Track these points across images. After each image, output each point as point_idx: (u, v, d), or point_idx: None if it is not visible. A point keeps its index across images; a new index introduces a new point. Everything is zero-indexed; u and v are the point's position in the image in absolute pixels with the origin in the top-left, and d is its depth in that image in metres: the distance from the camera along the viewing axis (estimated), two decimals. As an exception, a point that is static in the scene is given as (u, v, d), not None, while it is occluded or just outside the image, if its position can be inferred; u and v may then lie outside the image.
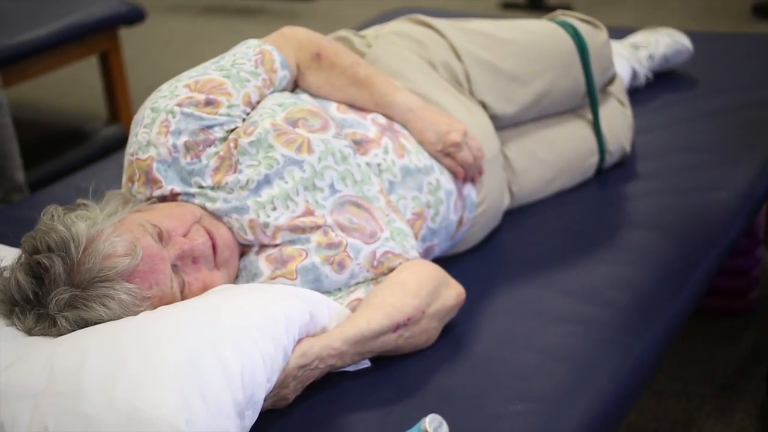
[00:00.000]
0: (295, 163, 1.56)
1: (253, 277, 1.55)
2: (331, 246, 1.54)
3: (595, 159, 2.03)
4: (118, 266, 1.36)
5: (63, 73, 3.92)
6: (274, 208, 1.54)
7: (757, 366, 2.34)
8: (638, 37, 2.48)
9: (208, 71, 1.62)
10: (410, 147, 1.70)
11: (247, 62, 1.64)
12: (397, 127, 1.73)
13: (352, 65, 1.73)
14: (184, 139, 1.55)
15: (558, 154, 1.97)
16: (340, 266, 1.54)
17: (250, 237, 1.54)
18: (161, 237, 1.43)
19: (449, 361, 1.52)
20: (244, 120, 1.60)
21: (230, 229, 1.55)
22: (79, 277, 1.36)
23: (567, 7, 4.47)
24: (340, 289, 1.55)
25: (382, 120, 1.72)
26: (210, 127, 1.56)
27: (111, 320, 1.36)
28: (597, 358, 1.51)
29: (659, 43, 2.44)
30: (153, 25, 4.36)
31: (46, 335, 1.37)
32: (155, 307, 1.39)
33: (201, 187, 1.55)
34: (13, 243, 1.57)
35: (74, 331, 1.36)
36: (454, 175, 1.74)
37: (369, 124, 1.70)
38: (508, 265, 1.80)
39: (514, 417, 1.38)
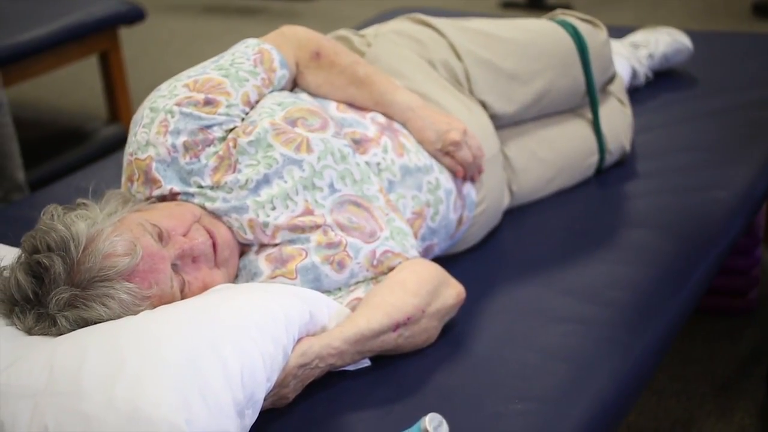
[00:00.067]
0: (295, 163, 1.56)
1: (253, 276, 1.55)
2: (330, 245, 1.54)
3: (594, 158, 2.03)
4: (118, 266, 1.36)
5: (63, 73, 3.92)
6: (274, 208, 1.54)
7: (757, 365, 2.34)
8: (638, 37, 2.48)
9: (207, 71, 1.62)
10: (410, 146, 1.70)
11: (246, 61, 1.64)
12: (396, 126, 1.73)
13: (351, 64, 1.73)
14: (183, 138, 1.55)
15: (558, 153, 1.97)
16: (340, 265, 1.54)
17: (249, 236, 1.54)
18: (161, 236, 1.43)
19: (449, 361, 1.52)
20: (243, 119, 1.60)
21: (230, 228, 1.55)
22: (79, 276, 1.36)
23: (567, 7, 4.47)
24: (339, 289, 1.55)
25: (381, 119, 1.72)
26: (209, 126, 1.56)
27: (111, 320, 1.36)
28: (597, 358, 1.51)
29: (659, 43, 2.44)
30: (153, 24, 4.36)
31: (46, 335, 1.37)
32: (155, 307, 1.39)
33: (200, 186, 1.55)
34: (13, 242, 1.58)
35: (74, 330, 1.36)
36: (454, 174, 1.74)
37: (368, 123, 1.70)
38: (508, 265, 1.80)
39: (514, 416, 1.38)
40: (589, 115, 2.04)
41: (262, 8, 5.21)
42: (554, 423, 1.37)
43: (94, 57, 3.43)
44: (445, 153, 1.72)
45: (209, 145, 1.56)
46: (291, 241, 1.54)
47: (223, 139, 1.57)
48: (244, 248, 1.57)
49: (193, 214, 1.51)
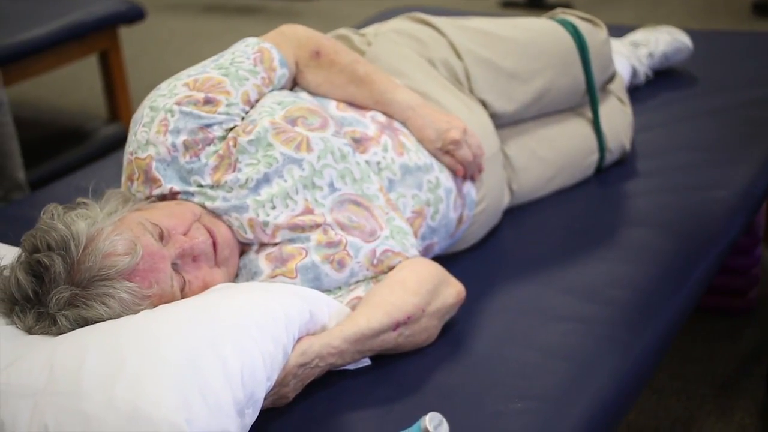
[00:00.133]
0: (295, 162, 1.56)
1: (253, 275, 1.54)
2: (330, 244, 1.54)
3: (595, 157, 2.03)
4: (119, 265, 1.36)
5: (63, 72, 3.92)
6: (274, 207, 1.54)
7: (757, 365, 2.34)
8: (638, 35, 2.48)
9: (207, 70, 1.62)
10: (410, 145, 1.70)
11: (246, 60, 1.64)
12: (396, 125, 1.73)
13: (351, 63, 1.73)
14: (183, 137, 1.55)
15: (558, 152, 1.97)
16: (340, 265, 1.54)
17: (249, 236, 1.54)
18: (161, 236, 1.43)
19: (449, 360, 1.52)
20: (243, 118, 1.60)
21: (230, 227, 1.55)
22: (79, 275, 1.36)
23: (567, 5, 4.47)
24: (339, 288, 1.55)
25: (381, 118, 1.72)
26: (209, 125, 1.56)
27: (111, 319, 1.36)
28: (597, 357, 1.51)
29: (659, 41, 2.44)
30: (153, 24, 4.36)
31: (46, 334, 1.37)
32: (155, 306, 1.39)
33: (200, 185, 1.55)
34: (13, 242, 1.58)
35: (74, 329, 1.36)
36: (454, 173, 1.74)
37: (368, 122, 1.70)
38: (508, 264, 1.80)
39: (514, 415, 1.38)
40: (589, 113, 2.04)
41: (261, 7, 5.21)
42: (554, 422, 1.37)
43: (94, 56, 3.43)
44: (445, 152, 1.72)
45: (209, 144, 1.56)
46: (291, 240, 1.54)
47: (223, 138, 1.57)
48: (244, 247, 1.57)
49: (193, 213, 1.51)
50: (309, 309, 1.41)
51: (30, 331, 1.38)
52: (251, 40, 1.69)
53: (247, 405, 1.27)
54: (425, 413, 1.29)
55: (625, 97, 2.15)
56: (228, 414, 1.24)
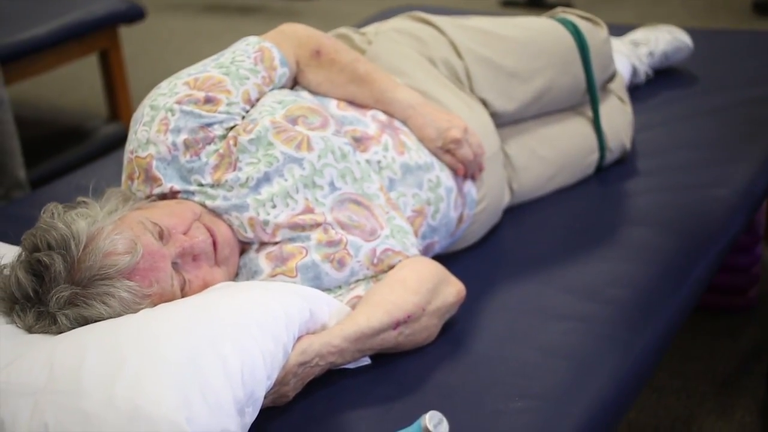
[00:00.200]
0: (295, 161, 1.56)
1: (253, 274, 1.54)
2: (331, 244, 1.54)
3: (595, 156, 2.03)
4: (119, 264, 1.36)
5: (63, 72, 3.92)
6: (274, 206, 1.54)
7: (758, 363, 2.34)
8: (638, 34, 2.48)
9: (207, 69, 1.62)
10: (410, 144, 1.70)
11: (247, 60, 1.64)
12: (397, 123, 1.73)
13: (351, 62, 1.73)
14: (183, 136, 1.55)
15: (558, 151, 1.97)
16: (340, 264, 1.54)
17: (250, 235, 1.54)
18: (161, 235, 1.43)
19: (449, 359, 1.52)
20: (243, 117, 1.60)
21: (230, 226, 1.55)
22: (80, 274, 1.36)
23: (567, 5, 4.47)
24: (340, 287, 1.55)
25: (382, 117, 1.72)
26: (209, 124, 1.56)
27: (111, 318, 1.36)
28: (597, 356, 1.51)
29: (659, 40, 2.44)
30: (153, 23, 4.36)
31: (46, 333, 1.37)
32: (155, 305, 1.39)
33: (201, 184, 1.55)
34: (13, 241, 1.57)
35: (74, 328, 1.36)
36: (455, 172, 1.74)
37: (369, 121, 1.70)
38: (508, 263, 1.80)
39: (515, 414, 1.38)
40: (590, 113, 2.04)
41: (261, 7, 5.21)
42: (554, 421, 1.37)
43: (95, 55, 3.43)
44: (446, 151, 1.72)
45: (210, 143, 1.56)
46: (291, 240, 1.54)
47: (224, 137, 1.57)
48: (244, 246, 1.57)
49: (193, 212, 1.51)
50: (309, 308, 1.41)
51: (30, 330, 1.38)
52: (252, 39, 1.69)
53: (247, 404, 1.27)
54: (425, 412, 1.29)
55: (626, 96, 2.15)
56: (228, 413, 1.24)
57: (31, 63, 3.08)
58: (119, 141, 3.06)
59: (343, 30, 1.95)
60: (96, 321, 1.36)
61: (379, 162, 1.65)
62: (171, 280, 1.42)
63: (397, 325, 1.47)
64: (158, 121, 1.55)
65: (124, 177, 1.60)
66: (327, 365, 1.43)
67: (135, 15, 3.31)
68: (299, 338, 1.39)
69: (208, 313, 1.34)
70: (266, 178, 1.55)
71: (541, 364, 1.49)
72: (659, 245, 1.79)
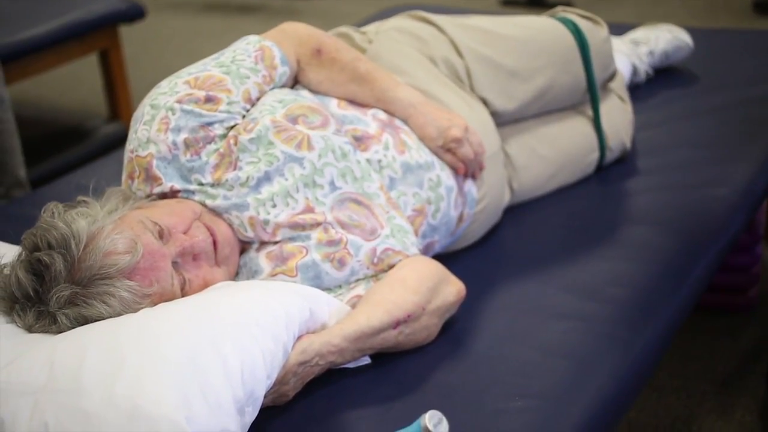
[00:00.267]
0: (295, 160, 1.56)
1: (254, 274, 1.54)
2: (331, 243, 1.54)
3: (595, 155, 2.03)
4: (119, 263, 1.36)
5: (63, 71, 3.92)
6: (274, 205, 1.54)
7: (758, 363, 2.34)
8: (638, 34, 2.48)
9: (207, 68, 1.62)
10: (411, 143, 1.70)
11: (247, 58, 1.64)
12: (397, 122, 1.73)
13: (352, 61, 1.73)
14: (183, 136, 1.55)
15: (558, 150, 1.97)
16: (341, 263, 1.54)
17: (250, 234, 1.54)
18: (162, 234, 1.43)
19: (449, 358, 1.52)
20: (243, 117, 1.60)
21: (230, 226, 1.55)
22: (80, 274, 1.36)
23: (567, 4, 4.47)
24: (340, 286, 1.55)
25: (382, 116, 1.72)
26: (210, 124, 1.56)
27: (111, 317, 1.36)
28: (597, 355, 1.51)
29: (659, 40, 2.44)
30: (153, 22, 4.36)
31: (46, 332, 1.37)
32: (155, 305, 1.39)
33: (201, 184, 1.55)
34: (13, 240, 1.57)
35: (74, 328, 1.36)
36: (455, 171, 1.74)
37: (369, 120, 1.70)
38: (509, 262, 1.80)
39: (515, 414, 1.38)
40: (590, 112, 2.04)
41: (262, 6, 5.21)
42: (554, 420, 1.37)
43: (95, 55, 3.43)
44: (447, 150, 1.72)
45: (210, 143, 1.56)
46: (291, 239, 1.54)
47: (224, 136, 1.57)
48: (244, 246, 1.57)
49: (193, 211, 1.51)
50: (309, 307, 1.41)
51: (30, 329, 1.38)
52: (252, 38, 1.69)
53: (247, 403, 1.27)
54: (425, 411, 1.29)
55: (626, 95, 2.15)
56: (228, 412, 1.24)
57: (32, 62, 3.08)
58: (119, 140, 3.06)
59: (343, 29, 1.96)
60: (96, 320, 1.36)
61: (379, 161, 1.65)
62: (171, 280, 1.42)
63: (397, 324, 1.47)
64: (159, 120, 1.55)
65: (124, 176, 1.60)
66: (327, 364, 1.43)
67: (135, 14, 3.31)
68: (299, 337, 1.39)
69: (208, 312, 1.34)
70: (267, 178, 1.55)
71: (541, 363, 1.49)
72: (659, 244, 1.79)
